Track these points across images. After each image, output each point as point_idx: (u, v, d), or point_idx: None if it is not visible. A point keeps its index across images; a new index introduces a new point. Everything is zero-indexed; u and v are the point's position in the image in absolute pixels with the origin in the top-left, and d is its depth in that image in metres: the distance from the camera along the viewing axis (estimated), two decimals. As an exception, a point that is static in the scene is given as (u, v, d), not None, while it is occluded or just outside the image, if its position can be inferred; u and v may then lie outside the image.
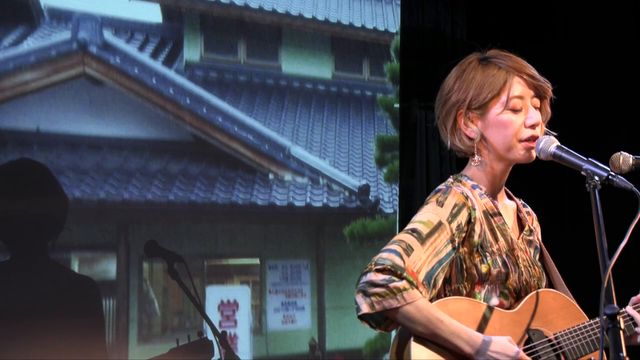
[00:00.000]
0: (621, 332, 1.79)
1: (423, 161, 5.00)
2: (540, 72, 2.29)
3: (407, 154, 5.04)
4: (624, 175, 2.02)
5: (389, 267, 2.05)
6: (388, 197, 5.67)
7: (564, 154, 2.11)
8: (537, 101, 2.26)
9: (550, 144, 2.15)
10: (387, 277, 2.05)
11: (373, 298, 2.05)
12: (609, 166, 2.05)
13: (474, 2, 5.19)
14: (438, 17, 5.18)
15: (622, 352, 1.78)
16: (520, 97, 2.23)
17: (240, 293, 5.17)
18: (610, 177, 1.97)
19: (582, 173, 2.01)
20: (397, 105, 5.36)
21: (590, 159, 2.04)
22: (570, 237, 4.68)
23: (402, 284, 2.05)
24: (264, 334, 5.19)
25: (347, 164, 5.73)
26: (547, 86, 2.27)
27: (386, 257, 2.08)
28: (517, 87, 2.23)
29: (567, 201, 4.99)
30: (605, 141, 4.26)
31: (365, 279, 2.07)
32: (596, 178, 1.97)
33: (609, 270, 1.82)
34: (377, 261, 2.08)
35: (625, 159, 2.11)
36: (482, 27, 5.01)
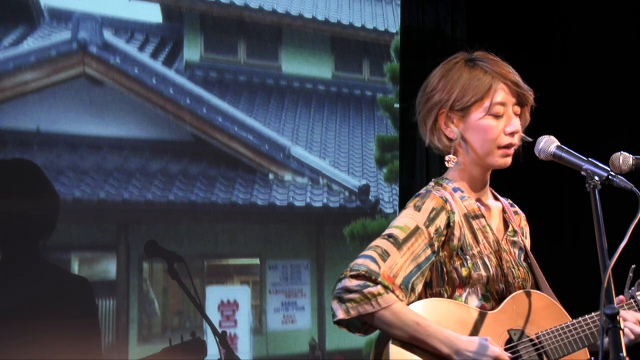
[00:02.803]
0: (621, 332, 1.79)
1: (423, 161, 5.00)
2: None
3: (407, 154, 5.04)
4: (624, 175, 2.02)
5: (363, 272, 2.07)
6: (388, 197, 5.67)
7: (563, 154, 2.11)
8: (518, 109, 2.27)
9: (550, 144, 2.15)
10: (361, 282, 2.07)
11: (348, 304, 2.07)
12: (609, 166, 2.05)
13: (474, 2, 5.19)
14: (438, 17, 5.18)
15: (622, 352, 1.78)
16: (503, 104, 2.23)
17: (240, 293, 5.17)
18: (610, 177, 1.97)
19: (582, 173, 2.01)
20: (397, 105, 5.37)
21: (590, 159, 2.04)
22: (570, 237, 4.68)
23: (377, 289, 2.06)
24: (264, 334, 5.19)
25: (347, 164, 5.73)
26: (530, 94, 2.28)
27: (361, 263, 2.10)
28: (501, 93, 2.23)
29: (567, 201, 4.99)
30: (605, 141, 4.26)
31: (340, 285, 2.09)
32: (596, 178, 1.97)
33: (609, 270, 1.82)
34: (352, 267, 2.10)
35: (625, 159, 2.10)
36: (482, 27, 5.01)
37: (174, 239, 4.81)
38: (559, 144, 2.15)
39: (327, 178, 5.56)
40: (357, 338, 5.32)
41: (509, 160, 2.25)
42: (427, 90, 2.30)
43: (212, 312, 4.93)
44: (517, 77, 2.27)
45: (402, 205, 5.10)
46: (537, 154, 2.20)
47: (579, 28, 5.08)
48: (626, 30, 5.00)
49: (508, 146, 2.23)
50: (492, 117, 2.22)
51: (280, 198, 5.35)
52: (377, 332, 2.18)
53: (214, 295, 5.04)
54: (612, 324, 1.78)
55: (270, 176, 5.40)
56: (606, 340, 1.79)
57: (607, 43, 4.95)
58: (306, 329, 5.34)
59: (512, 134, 2.23)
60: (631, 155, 2.12)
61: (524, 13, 5.05)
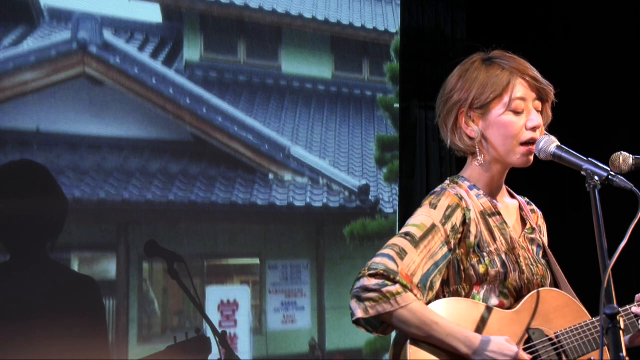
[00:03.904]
0: (621, 332, 1.79)
1: (423, 161, 5.00)
2: (540, 71, 2.29)
3: (407, 154, 5.04)
4: (624, 175, 2.01)
5: (381, 271, 2.06)
6: (388, 197, 5.67)
7: (564, 154, 2.11)
8: (538, 104, 2.26)
9: (550, 143, 2.15)
10: (380, 281, 2.06)
11: (367, 303, 2.06)
12: (609, 166, 2.05)
13: (474, 2, 5.19)
14: (438, 17, 5.18)
15: (622, 352, 1.78)
16: (523, 99, 2.22)
17: (240, 293, 5.17)
18: (610, 177, 1.97)
19: (582, 173, 2.01)
20: (397, 105, 5.36)
21: (590, 159, 2.04)
22: (570, 237, 4.68)
23: (396, 288, 2.05)
24: (264, 334, 5.19)
25: (347, 164, 5.73)
26: (550, 89, 2.27)
27: (379, 261, 2.08)
28: (520, 88, 2.23)
29: (567, 201, 4.99)
30: (605, 141, 4.26)
31: (359, 284, 2.08)
32: (596, 178, 1.96)
33: (609, 270, 1.82)
34: (370, 266, 2.09)
35: (625, 159, 2.10)
36: (482, 27, 5.01)
37: (174, 239, 4.81)
38: (559, 144, 2.15)
39: (327, 178, 5.56)
40: (357, 338, 5.35)
41: (530, 159, 2.23)
42: (446, 91, 2.30)
43: (212, 312, 4.93)
44: (536, 73, 2.26)
45: (402, 206, 5.13)
46: (537, 154, 2.19)
47: (578, 28, 5.08)
48: (626, 30, 5.00)
49: (530, 142, 2.21)
50: (513, 113, 2.21)
51: (280, 198, 5.35)
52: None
53: (214, 295, 5.04)
54: (612, 324, 1.78)
55: (270, 176, 5.40)
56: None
57: (607, 43, 4.95)
58: (306, 329, 5.34)
59: (533, 129, 2.21)
60: (631, 155, 2.11)
61: (523, 13, 5.05)
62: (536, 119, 2.22)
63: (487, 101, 2.22)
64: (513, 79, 2.22)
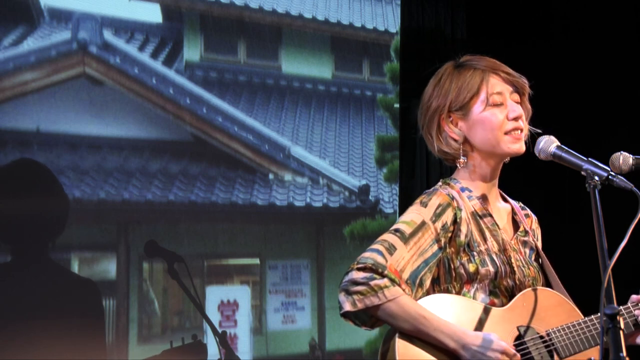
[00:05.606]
0: (621, 332, 1.79)
1: (423, 161, 5.01)
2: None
3: (407, 154, 5.04)
4: (624, 175, 2.02)
5: (370, 265, 2.09)
6: (388, 197, 5.68)
7: (564, 154, 2.11)
8: (516, 96, 2.29)
9: (550, 144, 2.15)
10: (368, 275, 2.08)
11: (355, 296, 2.08)
12: (609, 166, 2.05)
13: (474, 2, 5.19)
14: (438, 17, 5.18)
15: (622, 352, 1.78)
16: (499, 93, 2.26)
17: (240, 293, 5.17)
18: (610, 177, 1.98)
19: (582, 173, 2.01)
20: (397, 105, 5.37)
21: (590, 159, 2.04)
22: (570, 237, 4.68)
23: (383, 281, 2.07)
24: (264, 334, 5.19)
25: (347, 164, 5.73)
26: (524, 82, 2.30)
27: (368, 256, 2.12)
28: (495, 83, 2.26)
29: (567, 201, 4.99)
30: (605, 141, 4.26)
31: (347, 277, 2.11)
32: (596, 178, 1.97)
33: (609, 270, 1.82)
34: (359, 260, 2.12)
35: (625, 159, 2.10)
36: (482, 27, 5.01)
37: (174, 239, 4.81)
38: (559, 144, 2.15)
39: (327, 178, 5.57)
40: (357, 338, 5.35)
41: (521, 145, 2.24)
42: (423, 102, 2.35)
43: (212, 312, 4.93)
44: (507, 68, 2.30)
45: (402, 206, 5.13)
46: (537, 154, 2.19)
47: (578, 28, 5.08)
48: (626, 30, 5.00)
49: (514, 130, 2.23)
50: (492, 106, 2.24)
51: (280, 198, 5.35)
52: (379, 330, 2.18)
53: (214, 295, 5.04)
54: (612, 324, 1.78)
55: (270, 176, 5.41)
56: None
57: (607, 42, 4.95)
58: (306, 329, 5.34)
59: (515, 119, 2.23)
60: (631, 155, 2.11)
61: (523, 13, 5.05)
62: (517, 109, 2.25)
63: (465, 101, 2.26)
64: (486, 75, 2.26)
